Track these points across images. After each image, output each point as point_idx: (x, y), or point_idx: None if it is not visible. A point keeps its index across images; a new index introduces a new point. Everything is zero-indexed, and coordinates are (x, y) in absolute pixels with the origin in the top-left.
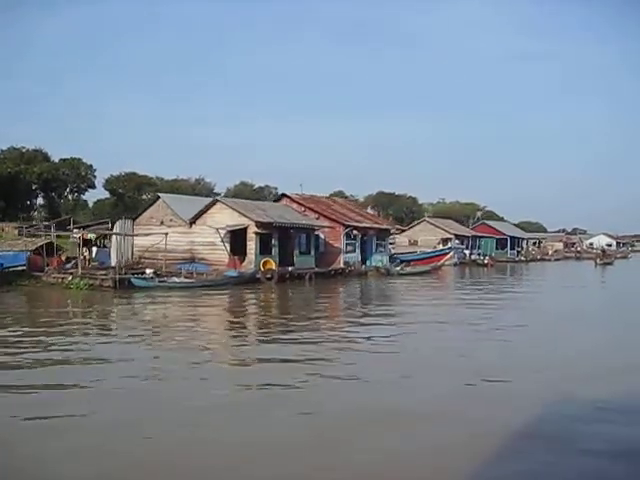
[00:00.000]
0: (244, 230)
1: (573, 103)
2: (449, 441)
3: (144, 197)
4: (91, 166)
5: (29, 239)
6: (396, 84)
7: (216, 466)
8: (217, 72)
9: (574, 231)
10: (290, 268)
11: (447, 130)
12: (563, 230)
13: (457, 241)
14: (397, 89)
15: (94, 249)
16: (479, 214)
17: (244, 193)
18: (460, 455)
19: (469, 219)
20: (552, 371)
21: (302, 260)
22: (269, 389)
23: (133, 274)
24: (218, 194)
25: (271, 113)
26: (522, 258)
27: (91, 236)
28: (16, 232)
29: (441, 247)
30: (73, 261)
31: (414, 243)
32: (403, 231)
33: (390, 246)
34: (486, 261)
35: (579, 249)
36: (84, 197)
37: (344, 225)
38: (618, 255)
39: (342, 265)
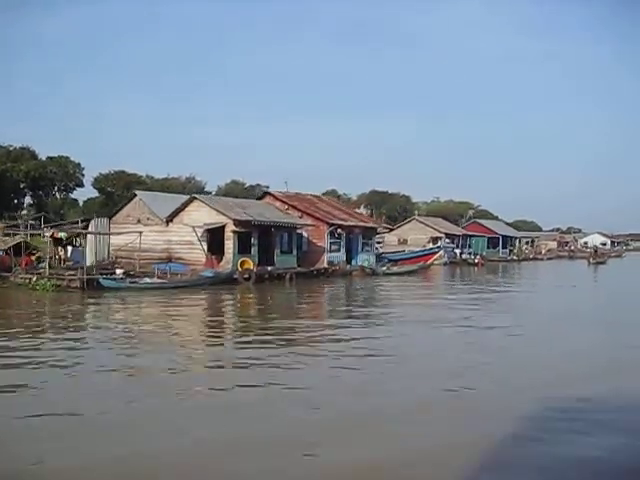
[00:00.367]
0: (222, 229)
1: (573, 103)
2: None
3: None
4: (79, 164)
5: (4, 238)
6: (396, 84)
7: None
8: (217, 72)
9: (569, 230)
10: (270, 268)
11: (446, 130)
12: (558, 229)
13: (447, 240)
14: (397, 89)
15: (69, 248)
16: (471, 213)
17: (235, 192)
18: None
19: (462, 218)
20: (520, 377)
21: (283, 260)
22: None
23: (104, 274)
24: (209, 193)
25: (271, 113)
26: (514, 257)
27: (62, 235)
28: None
29: (431, 246)
30: (46, 261)
31: (403, 242)
32: (391, 230)
33: (378, 245)
34: (476, 260)
35: (572, 248)
36: (75, 196)
37: (328, 223)
38: (612, 254)
39: (326, 265)
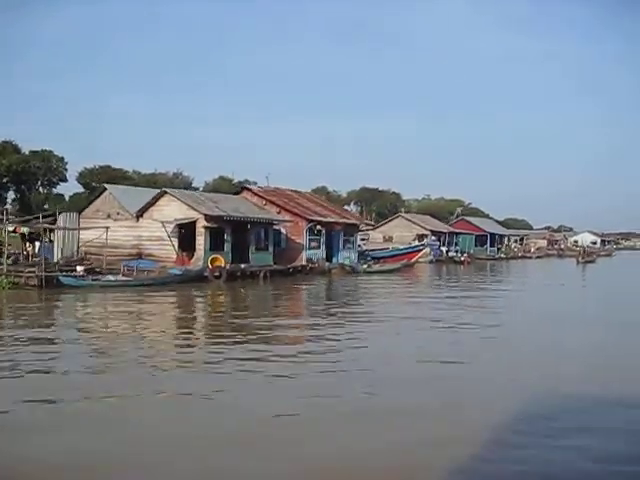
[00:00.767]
0: (193, 224)
1: (573, 103)
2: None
3: None
4: (62, 158)
5: None
6: (395, 84)
7: None
8: (217, 72)
9: (560, 228)
10: (243, 265)
11: (446, 129)
12: (548, 227)
13: (433, 237)
14: (397, 89)
15: (37, 244)
16: (459, 210)
17: (223, 188)
18: None
19: (452, 215)
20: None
21: (259, 257)
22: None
23: (66, 271)
24: (197, 189)
25: (271, 113)
26: (502, 255)
27: (24, 230)
28: None
29: (416, 243)
30: (12, 257)
31: (389, 239)
32: (374, 227)
33: (362, 242)
34: (462, 258)
35: (562, 246)
36: (60, 191)
37: (307, 219)
38: (602, 253)
39: (304, 262)
